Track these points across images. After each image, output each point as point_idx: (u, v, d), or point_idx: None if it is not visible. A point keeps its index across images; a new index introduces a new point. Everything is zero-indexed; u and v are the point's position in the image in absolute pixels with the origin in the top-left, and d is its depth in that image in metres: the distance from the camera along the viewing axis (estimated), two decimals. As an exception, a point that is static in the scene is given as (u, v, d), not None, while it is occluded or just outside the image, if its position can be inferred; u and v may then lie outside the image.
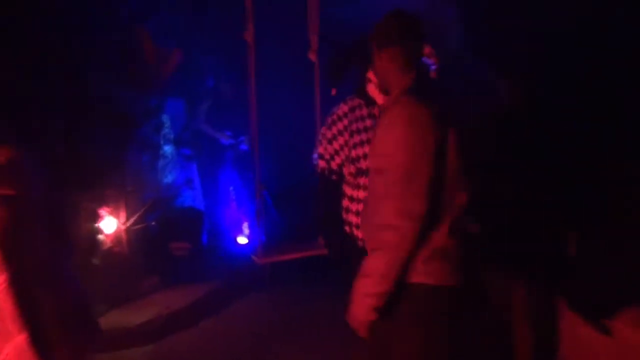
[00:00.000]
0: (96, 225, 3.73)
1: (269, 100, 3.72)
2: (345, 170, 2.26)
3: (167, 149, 4.49)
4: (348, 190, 2.25)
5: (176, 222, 4.42)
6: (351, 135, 2.22)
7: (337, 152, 2.29)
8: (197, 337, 3.40)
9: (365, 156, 2.14)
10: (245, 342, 3.23)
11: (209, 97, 5.04)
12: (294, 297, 3.77)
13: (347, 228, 2.27)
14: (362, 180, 2.18)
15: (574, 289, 2.05)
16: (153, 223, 4.46)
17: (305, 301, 3.68)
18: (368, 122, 2.21)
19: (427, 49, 2.07)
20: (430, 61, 2.11)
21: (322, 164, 2.34)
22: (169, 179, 4.46)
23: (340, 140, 2.28)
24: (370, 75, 2.13)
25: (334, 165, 2.30)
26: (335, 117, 2.30)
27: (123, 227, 3.86)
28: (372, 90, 2.16)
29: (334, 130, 2.29)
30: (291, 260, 3.61)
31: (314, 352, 3.02)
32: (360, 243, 2.16)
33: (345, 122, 2.25)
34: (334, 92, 2.32)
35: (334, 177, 2.33)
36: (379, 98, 2.15)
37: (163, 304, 3.71)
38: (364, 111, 2.23)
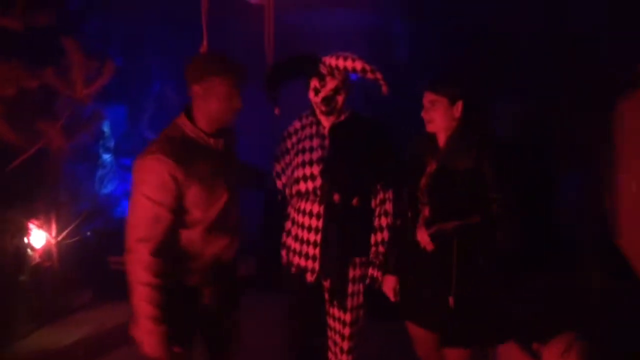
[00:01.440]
0: (24, 239, 3.50)
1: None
2: (288, 192, 2.19)
3: (106, 157, 4.30)
4: (291, 212, 2.18)
5: (115, 234, 4.23)
6: (296, 154, 2.13)
7: (283, 171, 2.21)
8: (134, 356, 3.25)
9: (305, 178, 2.07)
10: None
11: (153, 103, 4.89)
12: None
13: (284, 252, 2.20)
14: (302, 204, 2.11)
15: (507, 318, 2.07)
16: (88, 234, 4.26)
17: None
18: (315, 142, 2.12)
19: (360, 65, 1.96)
20: (372, 77, 1.99)
21: (278, 182, 2.26)
22: (107, 189, 4.27)
23: (286, 159, 2.20)
24: (310, 93, 2.08)
25: (279, 184, 2.23)
26: (285, 133, 2.22)
27: (54, 241, 3.65)
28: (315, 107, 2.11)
29: (282, 147, 2.22)
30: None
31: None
32: (294, 270, 2.11)
33: (294, 139, 2.17)
34: (277, 111, 2.17)
35: (279, 197, 2.26)
36: (322, 118, 2.11)
37: (97, 321, 3.53)
38: (314, 129, 2.14)
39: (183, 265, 1.82)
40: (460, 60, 3.86)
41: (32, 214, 3.48)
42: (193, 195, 1.74)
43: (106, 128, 4.34)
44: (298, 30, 4.38)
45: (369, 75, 1.98)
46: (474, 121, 1.97)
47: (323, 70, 2.04)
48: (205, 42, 2.55)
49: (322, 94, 2.04)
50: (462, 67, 3.58)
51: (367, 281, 2.12)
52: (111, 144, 4.38)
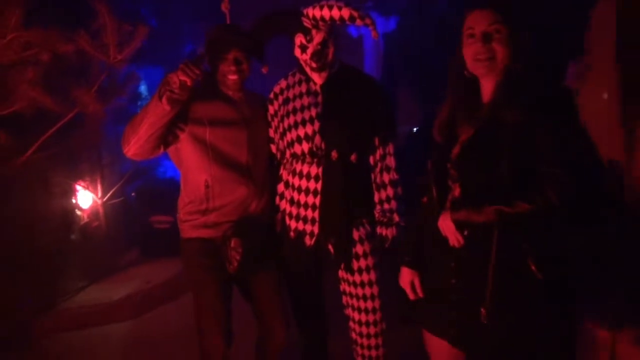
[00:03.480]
0: (72, 200, 3.66)
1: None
2: (281, 155, 2.07)
3: (145, 119, 4.35)
4: (284, 175, 2.04)
5: (157, 193, 4.36)
6: (287, 115, 1.97)
7: (274, 135, 2.07)
8: (177, 312, 3.40)
9: (300, 140, 1.93)
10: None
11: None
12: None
13: (278, 216, 2.07)
14: (297, 166, 1.97)
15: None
16: (133, 194, 4.41)
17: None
18: (305, 101, 1.95)
19: (347, 12, 1.80)
20: (361, 23, 1.83)
21: (272, 147, 2.11)
22: (147, 150, 4.35)
23: (275, 122, 2.04)
24: (297, 50, 1.94)
25: (273, 149, 2.09)
26: (271, 95, 2.06)
27: (100, 201, 3.79)
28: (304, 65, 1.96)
29: (270, 111, 2.05)
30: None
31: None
32: (292, 234, 2.01)
33: (280, 100, 2.02)
34: (265, 70, 2.03)
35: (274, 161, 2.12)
36: (314, 75, 1.96)
37: (143, 279, 3.69)
38: (303, 87, 1.97)
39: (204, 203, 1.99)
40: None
41: (78, 176, 3.62)
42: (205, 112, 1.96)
43: (144, 90, 4.39)
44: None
45: (358, 22, 1.82)
46: (532, 62, 1.41)
47: (307, 23, 1.86)
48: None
49: (310, 50, 1.88)
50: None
51: (376, 242, 2.00)
52: (149, 105, 4.43)
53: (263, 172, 2.04)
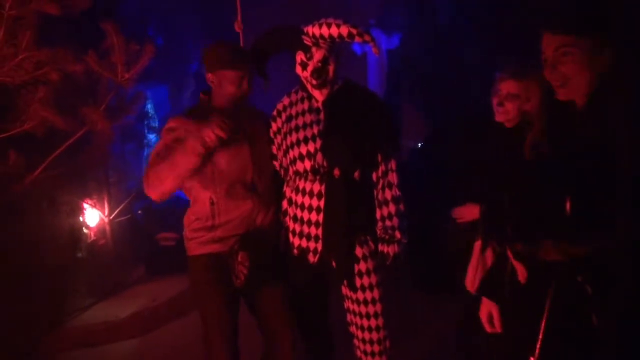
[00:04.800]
0: (79, 218, 3.68)
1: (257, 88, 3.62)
2: (284, 173, 2.07)
3: (152, 137, 4.42)
4: (287, 192, 2.03)
5: (163, 211, 4.39)
6: (289, 133, 1.97)
7: (277, 152, 2.06)
8: (184, 329, 3.39)
9: (302, 157, 1.92)
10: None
11: (193, 82, 4.97)
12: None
13: (282, 232, 2.06)
14: (300, 184, 1.97)
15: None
16: (139, 212, 4.44)
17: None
18: (308, 118, 1.95)
19: (345, 30, 1.81)
20: (361, 40, 1.85)
21: (275, 164, 2.09)
22: (154, 168, 4.40)
23: (278, 139, 2.04)
24: (298, 68, 1.95)
25: (276, 166, 2.08)
26: (274, 113, 2.05)
27: (107, 219, 3.82)
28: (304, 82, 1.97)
29: (274, 128, 2.05)
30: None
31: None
32: (295, 251, 2.00)
33: (284, 117, 2.02)
34: (266, 88, 2.07)
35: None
36: (315, 93, 1.97)
37: (150, 296, 3.68)
38: (305, 105, 1.97)
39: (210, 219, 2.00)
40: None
41: (85, 194, 3.65)
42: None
43: (150, 109, 4.45)
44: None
45: (358, 39, 1.84)
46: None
47: (307, 41, 1.88)
48: (239, 18, 2.53)
49: (310, 67, 1.89)
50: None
51: (377, 259, 1.98)
52: (155, 123, 4.50)
53: (268, 186, 2.05)
